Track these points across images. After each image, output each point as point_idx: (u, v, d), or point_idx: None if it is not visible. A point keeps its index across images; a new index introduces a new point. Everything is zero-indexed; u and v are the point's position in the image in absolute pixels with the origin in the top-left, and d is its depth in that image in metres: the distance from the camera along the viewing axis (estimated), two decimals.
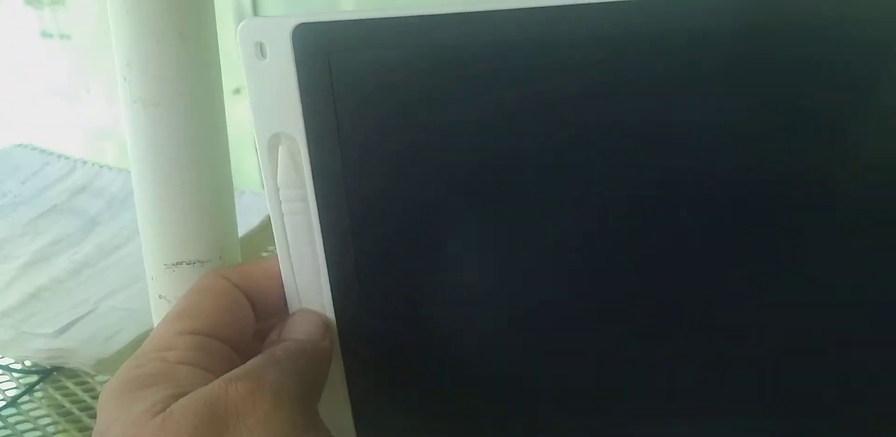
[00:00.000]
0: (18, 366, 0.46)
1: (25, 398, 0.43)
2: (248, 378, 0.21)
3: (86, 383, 0.45)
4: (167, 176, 0.26)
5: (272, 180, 0.23)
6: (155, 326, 0.30)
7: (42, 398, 0.44)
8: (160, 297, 0.28)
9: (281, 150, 0.22)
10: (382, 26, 0.20)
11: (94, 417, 0.41)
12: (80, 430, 0.40)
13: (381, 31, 0.20)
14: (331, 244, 0.24)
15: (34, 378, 0.45)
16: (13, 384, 0.45)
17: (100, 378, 0.44)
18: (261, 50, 0.21)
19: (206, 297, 0.25)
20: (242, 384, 0.21)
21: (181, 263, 0.27)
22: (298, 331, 0.25)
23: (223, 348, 0.24)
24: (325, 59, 0.21)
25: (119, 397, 0.21)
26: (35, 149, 0.71)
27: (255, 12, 0.65)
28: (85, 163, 0.67)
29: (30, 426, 0.41)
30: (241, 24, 0.21)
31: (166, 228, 0.27)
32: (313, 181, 0.23)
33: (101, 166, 0.67)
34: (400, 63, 0.21)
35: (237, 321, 0.25)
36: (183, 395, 0.21)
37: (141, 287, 0.31)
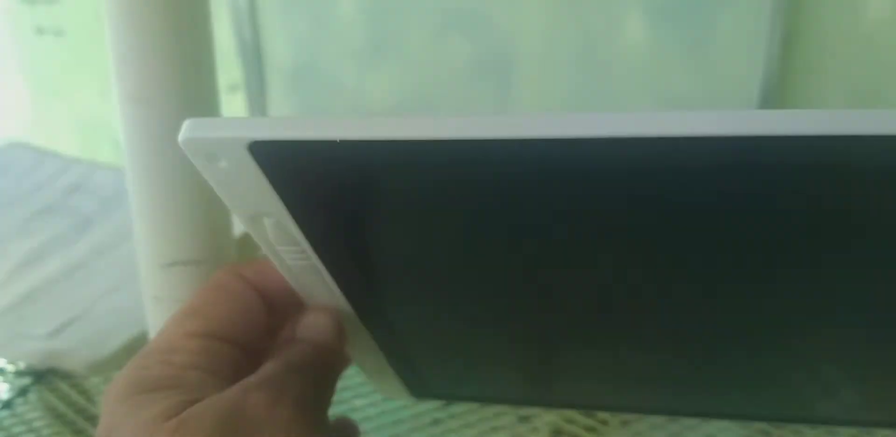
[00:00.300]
0: (12, 368, 0.46)
1: (19, 400, 0.43)
2: (268, 388, 0.21)
3: (80, 385, 0.44)
4: (161, 174, 0.26)
5: (265, 243, 0.22)
6: (150, 327, 0.30)
7: (36, 400, 0.43)
8: (155, 298, 0.28)
9: (267, 222, 0.21)
10: (344, 147, 0.18)
11: (88, 419, 0.41)
12: (75, 432, 0.40)
13: (343, 151, 0.18)
14: (347, 290, 0.23)
15: (28, 380, 0.45)
16: (7, 386, 0.45)
17: (94, 380, 0.44)
18: (215, 157, 0.19)
19: (220, 297, 0.24)
20: (263, 394, 0.20)
21: (176, 263, 0.27)
22: (313, 331, 0.24)
23: (232, 351, 0.24)
24: (295, 167, 0.19)
25: (126, 397, 0.21)
26: (28, 148, 0.70)
27: (252, 7, 0.64)
28: (79, 162, 0.67)
29: (24, 428, 0.41)
30: (182, 137, 0.19)
31: (161, 227, 0.27)
32: (309, 243, 0.21)
33: (95, 165, 0.66)
34: (366, 174, 0.19)
35: (249, 323, 0.24)
36: (196, 401, 0.20)
37: (136, 287, 0.30)
